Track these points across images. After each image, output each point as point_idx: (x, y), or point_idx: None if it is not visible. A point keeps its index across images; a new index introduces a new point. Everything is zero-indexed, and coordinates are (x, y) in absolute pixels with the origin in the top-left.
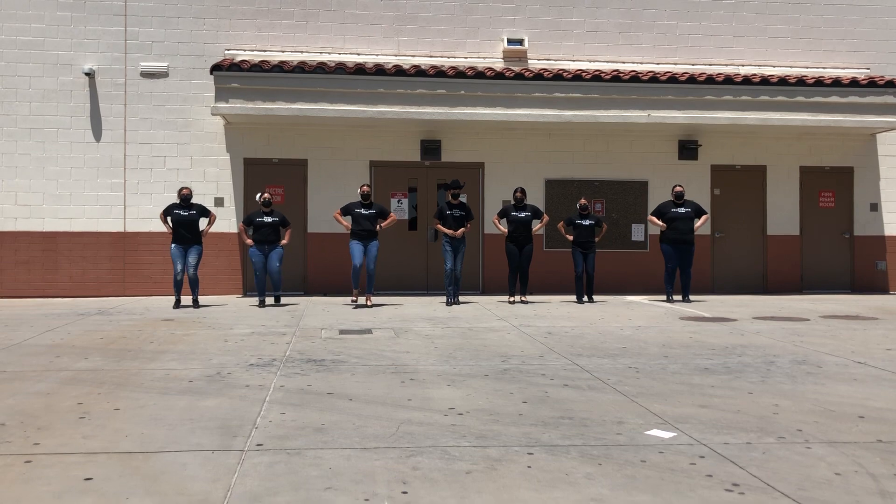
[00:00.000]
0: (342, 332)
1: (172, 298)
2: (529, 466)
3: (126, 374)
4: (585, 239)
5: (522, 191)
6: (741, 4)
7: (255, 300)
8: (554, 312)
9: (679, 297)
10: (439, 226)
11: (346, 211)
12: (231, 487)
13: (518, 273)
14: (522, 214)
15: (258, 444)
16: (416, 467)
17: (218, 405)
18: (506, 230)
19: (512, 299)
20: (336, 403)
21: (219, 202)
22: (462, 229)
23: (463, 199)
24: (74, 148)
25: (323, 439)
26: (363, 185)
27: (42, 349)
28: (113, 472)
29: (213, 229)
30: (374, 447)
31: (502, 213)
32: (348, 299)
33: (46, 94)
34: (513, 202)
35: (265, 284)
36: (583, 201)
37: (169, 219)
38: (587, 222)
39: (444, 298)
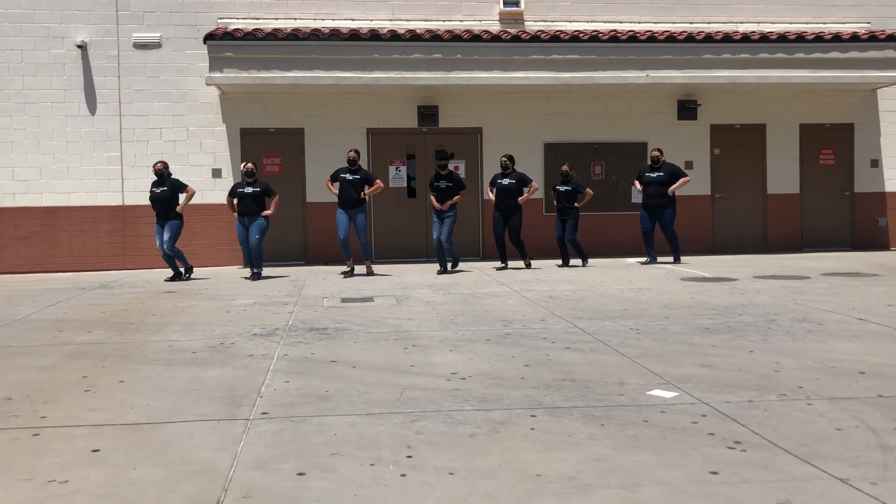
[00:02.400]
0: (344, 300)
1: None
2: (532, 428)
3: (130, 346)
4: (563, 205)
5: (509, 157)
6: None
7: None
8: (555, 276)
9: (671, 259)
10: (432, 196)
11: (334, 177)
12: (237, 456)
13: (504, 241)
14: (506, 182)
15: (263, 413)
16: (420, 432)
17: (222, 375)
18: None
19: (500, 266)
20: (339, 371)
21: (216, 173)
22: (448, 202)
23: (461, 166)
24: (69, 122)
25: (327, 406)
26: (350, 150)
27: (45, 324)
28: (120, 444)
29: (212, 200)
30: (379, 413)
31: (492, 181)
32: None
33: (39, 67)
34: (500, 168)
35: (251, 257)
36: (565, 168)
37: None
38: (564, 188)
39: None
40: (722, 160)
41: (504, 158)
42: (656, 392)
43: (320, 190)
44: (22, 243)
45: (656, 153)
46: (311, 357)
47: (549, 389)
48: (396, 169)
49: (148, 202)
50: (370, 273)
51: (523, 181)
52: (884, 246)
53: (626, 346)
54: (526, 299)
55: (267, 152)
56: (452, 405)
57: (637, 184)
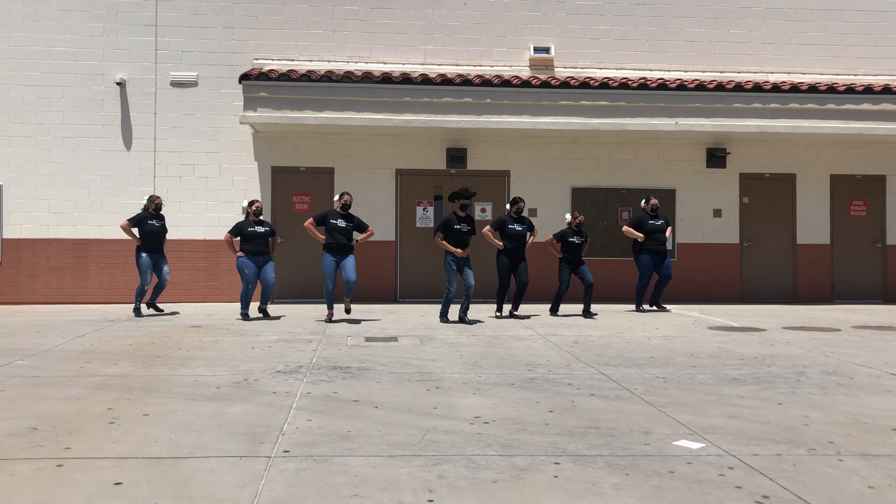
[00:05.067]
0: (368, 339)
1: (204, 305)
2: (556, 476)
3: (155, 379)
4: (577, 255)
5: (523, 201)
6: (771, 12)
7: (253, 311)
8: (581, 322)
9: (652, 307)
10: (444, 241)
11: (320, 220)
12: (258, 493)
13: (517, 288)
14: (520, 228)
15: (285, 451)
16: (441, 475)
17: (245, 411)
18: (501, 244)
19: (499, 314)
20: (362, 411)
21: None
22: (467, 248)
23: (488, 208)
24: (105, 156)
25: (349, 446)
26: (344, 195)
27: (73, 355)
28: (142, 477)
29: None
30: (400, 455)
31: (498, 225)
32: (372, 306)
33: (79, 103)
34: (513, 213)
35: (251, 297)
36: (580, 218)
37: (136, 229)
38: (580, 240)
39: (476, 305)
40: (751, 209)
41: (521, 203)
42: (682, 442)
43: None
44: (54, 274)
45: (656, 201)
46: (334, 396)
47: (573, 437)
48: (424, 209)
49: (179, 236)
50: (349, 311)
51: (530, 227)
52: None
53: (652, 395)
54: (551, 343)
55: (297, 190)
56: (475, 449)
57: (633, 231)
